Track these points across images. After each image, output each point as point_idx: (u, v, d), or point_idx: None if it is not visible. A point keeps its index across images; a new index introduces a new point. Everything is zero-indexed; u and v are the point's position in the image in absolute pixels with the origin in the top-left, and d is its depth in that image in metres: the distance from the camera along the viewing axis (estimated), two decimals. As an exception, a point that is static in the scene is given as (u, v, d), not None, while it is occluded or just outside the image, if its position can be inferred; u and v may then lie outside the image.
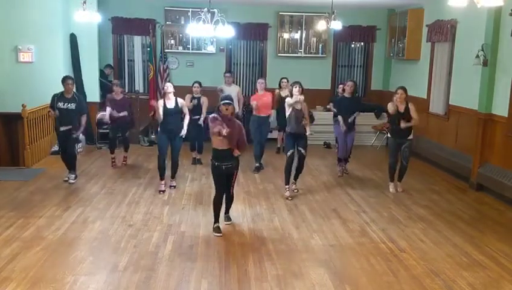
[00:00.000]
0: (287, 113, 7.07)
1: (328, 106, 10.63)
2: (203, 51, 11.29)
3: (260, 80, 8.87)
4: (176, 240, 5.40)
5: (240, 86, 10.98)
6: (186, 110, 7.32)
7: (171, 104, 7.10)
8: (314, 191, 7.46)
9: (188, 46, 11.33)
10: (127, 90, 11.39)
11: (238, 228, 5.85)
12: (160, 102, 7.17)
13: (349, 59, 12.23)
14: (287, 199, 7.01)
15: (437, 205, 6.94)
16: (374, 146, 11.02)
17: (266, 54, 11.75)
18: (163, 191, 7.19)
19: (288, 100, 7.10)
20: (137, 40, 11.55)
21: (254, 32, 11.45)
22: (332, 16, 8.27)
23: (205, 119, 8.10)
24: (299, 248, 5.32)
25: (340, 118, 8.21)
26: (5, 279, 4.36)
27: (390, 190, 7.50)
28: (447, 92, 9.05)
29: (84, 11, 7.95)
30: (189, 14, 10.74)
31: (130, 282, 4.40)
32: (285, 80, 9.48)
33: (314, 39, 11.68)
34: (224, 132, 5.42)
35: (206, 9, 6.74)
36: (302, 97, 6.98)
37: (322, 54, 11.70)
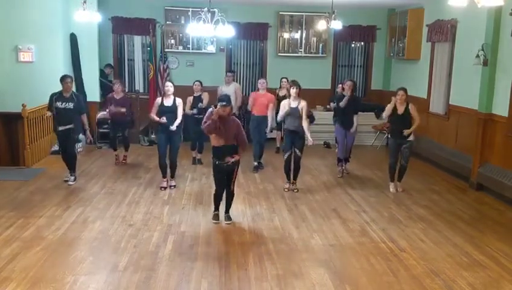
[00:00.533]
0: (279, 114, 7.27)
1: (328, 106, 10.64)
2: (203, 50, 11.29)
3: (261, 80, 8.87)
4: (176, 240, 5.40)
5: (240, 86, 10.95)
6: (180, 110, 7.26)
7: (168, 102, 7.14)
8: (314, 190, 7.46)
9: (188, 45, 11.33)
10: (127, 90, 11.39)
11: (238, 228, 5.85)
12: (158, 100, 7.20)
13: (349, 59, 12.23)
14: (284, 190, 7.30)
15: (437, 205, 6.94)
16: (374, 146, 11.02)
17: (266, 54, 11.74)
18: (165, 188, 7.22)
19: (283, 104, 7.18)
20: (138, 40, 11.54)
21: (254, 32, 11.45)
22: (333, 15, 8.27)
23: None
24: (299, 247, 5.32)
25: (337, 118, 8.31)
26: (5, 279, 4.36)
27: (391, 189, 7.50)
28: (447, 92, 9.05)
29: (84, 11, 7.94)
30: (190, 13, 10.74)
31: (130, 282, 4.40)
32: (284, 80, 9.49)
33: (315, 39, 11.68)
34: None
35: (206, 9, 6.73)
36: (305, 103, 7.11)
37: (322, 53, 11.70)
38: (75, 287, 4.30)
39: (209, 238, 5.51)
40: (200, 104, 8.56)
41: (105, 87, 10.52)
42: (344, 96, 8.26)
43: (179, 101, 7.28)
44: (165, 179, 7.31)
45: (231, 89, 9.63)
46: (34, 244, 5.13)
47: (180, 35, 11.27)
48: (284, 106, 7.24)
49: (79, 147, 8.91)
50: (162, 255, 4.98)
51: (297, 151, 7.21)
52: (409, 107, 7.18)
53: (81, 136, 9.00)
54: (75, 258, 4.88)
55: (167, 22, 11.18)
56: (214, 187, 7.24)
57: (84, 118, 7.54)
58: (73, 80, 8.21)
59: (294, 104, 7.14)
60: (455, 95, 8.75)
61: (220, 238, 5.52)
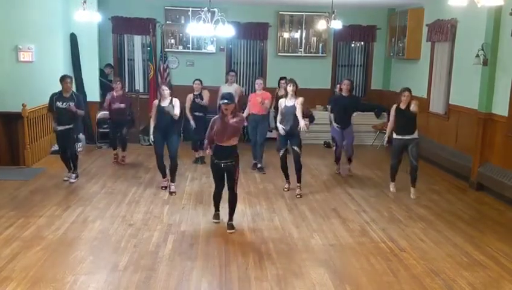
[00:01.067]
0: (278, 118, 7.21)
1: (327, 106, 10.63)
2: (203, 50, 11.29)
3: (258, 81, 8.87)
4: (176, 240, 5.41)
5: (240, 85, 10.94)
6: (177, 111, 7.09)
7: (165, 103, 7.11)
8: (314, 190, 7.46)
9: (188, 45, 11.32)
10: (127, 90, 11.40)
11: (238, 228, 5.84)
12: (156, 102, 7.21)
13: (349, 59, 12.23)
14: (284, 189, 7.34)
15: (437, 205, 6.94)
16: (374, 146, 11.02)
17: (266, 54, 11.74)
18: (166, 187, 7.22)
19: (279, 103, 7.18)
20: (138, 40, 11.54)
21: (254, 32, 11.44)
22: (333, 15, 8.27)
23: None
24: (299, 247, 5.32)
25: (331, 116, 8.27)
26: (5, 279, 4.36)
27: (391, 189, 7.50)
28: (447, 91, 9.05)
29: (84, 11, 7.94)
30: (190, 13, 10.73)
31: (130, 282, 4.40)
32: (283, 81, 9.50)
33: (314, 39, 11.68)
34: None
35: (206, 8, 6.74)
36: (300, 99, 7.02)
37: (322, 53, 11.70)
38: (75, 286, 4.30)
39: (209, 237, 5.52)
40: (199, 101, 8.59)
41: (105, 87, 10.51)
42: (341, 96, 8.27)
43: (176, 101, 7.24)
44: (165, 179, 7.31)
45: (232, 90, 9.62)
46: (34, 244, 5.13)
47: (180, 35, 11.27)
48: (280, 105, 7.17)
49: (79, 146, 8.91)
50: (162, 255, 4.98)
51: (295, 148, 7.07)
52: (411, 104, 7.03)
53: (81, 135, 9.02)
54: (75, 257, 4.88)
55: (167, 22, 11.18)
56: (214, 186, 7.30)
57: (81, 112, 7.52)
58: (73, 80, 8.22)
59: (290, 103, 7.02)
60: (455, 94, 8.75)
61: (220, 238, 5.52)
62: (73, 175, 7.50)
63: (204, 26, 6.75)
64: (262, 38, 11.59)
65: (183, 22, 11.04)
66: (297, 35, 11.64)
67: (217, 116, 5.76)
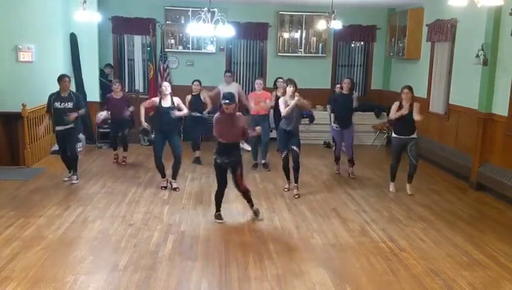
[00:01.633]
0: (286, 109, 7.02)
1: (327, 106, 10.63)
2: (203, 50, 11.29)
3: (258, 81, 8.90)
4: (176, 240, 5.41)
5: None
6: (183, 106, 7.30)
7: (166, 103, 7.11)
8: (314, 190, 7.46)
9: (188, 45, 11.32)
10: (127, 90, 11.41)
11: (238, 228, 5.85)
12: (156, 99, 7.19)
13: (349, 59, 12.23)
14: (284, 189, 7.33)
15: (437, 205, 6.94)
16: (373, 145, 11.02)
17: (266, 54, 11.74)
18: (165, 187, 7.23)
19: (283, 100, 7.16)
20: (138, 40, 11.54)
21: (254, 32, 11.44)
22: (333, 15, 8.27)
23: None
24: (299, 247, 5.32)
25: (332, 115, 8.28)
26: (5, 278, 4.36)
27: (391, 189, 7.49)
28: (447, 91, 9.05)
29: (84, 11, 7.94)
30: (189, 13, 10.74)
31: (130, 281, 4.40)
32: (280, 80, 9.50)
33: (314, 39, 11.68)
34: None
35: (206, 8, 6.73)
36: (296, 98, 7.01)
37: (322, 53, 11.70)
38: (75, 286, 4.30)
39: (209, 237, 5.52)
40: (200, 113, 8.75)
41: (105, 87, 10.51)
42: (340, 94, 8.29)
43: (177, 100, 7.26)
44: (164, 179, 7.31)
45: (233, 89, 9.63)
46: (34, 244, 5.13)
47: (180, 35, 11.27)
48: (286, 101, 7.08)
49: (79, 146, 8.92)
50: (162, 255, 4.98)
51: (294, 148, 7.03)
52: (414, 106, 7.09)
53: (81, 135, 9.02)
54: (75, 257, 4.88)
55: (167, 22, 11.19)
56: (214, 186, 7.28)
57: (82, 112, 7.56)
58: (71, 79, 8.21)
59: (291, 103, 7.04)
60: (455, 94, 8.75)
61: (220, 238, 5.53)
62: (75, 177, 7.50)
63: (204, 26, 6.75)
64: (262, 38, 11.59)
65: (183, 22, 11.04)
66: (297, 35, 11.64)
67: (218, 114, 5.84)
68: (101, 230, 5.62)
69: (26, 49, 9.29)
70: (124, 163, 8.76)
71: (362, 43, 12.08)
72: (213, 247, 5.26)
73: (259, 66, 11.94)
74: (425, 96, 9.68)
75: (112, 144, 8.96)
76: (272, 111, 8.88)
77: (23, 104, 8.23)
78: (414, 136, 7.19)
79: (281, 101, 7.19)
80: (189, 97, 8.75)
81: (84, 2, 7.86)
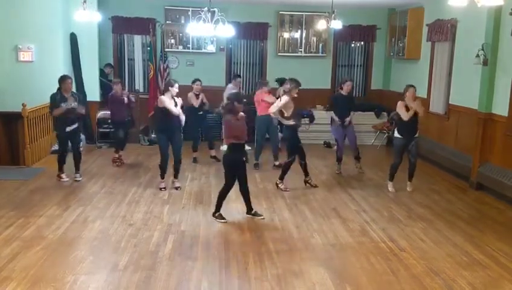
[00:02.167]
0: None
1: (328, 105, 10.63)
2: (203, 50, 11.29)
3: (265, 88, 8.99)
4: (176, 240, 5.41)
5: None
6: (179, 110, 7.16)
7: (172, 104, 7.09)
8: (314, 190, 7.46)
9: (188, 45, 11.32)
10: (127, 90, 11.40)
11: (238, 227, 5.85)
12: (168, 99, 7.03)
13: (349, 58, 12.23)
14: (280, 188, 7.43)
15: (437, 205, 6.94)
16: (374, 145, 11.02)
17: (266, 54, 11.74)
18: (165, 189, 7.22)
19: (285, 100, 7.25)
20: (138, 39, 11.54)
21: (254, 32, 11.44)
22: (333, 15, 8.27)
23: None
24: (299, 247, 5.32)
25: (333, 113, 8.36)
26: (5, 278, 4.36)
27: (390, 189, 7.49)
28: (447, 91, 9.05)
29: (84, 11, 7.93)
30: (190, 13, 10.73)
31: (130, 281, 4.40)
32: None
33: (314, 38, 11.68)
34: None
35: (206, 8, 6.74)
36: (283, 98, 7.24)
37: (322, 53, 11.70)
38: (75, 286, 4.30)
39: (209, 237, 5.52)
40: (202, 112, 8.84)
41: (105, 87, 10.51)
42: (340, 95, 8.39)
43: (179, 101, 7.26)
44: (163, 180, 7.29)
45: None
46: (34, 244, 5.13)
47: (180, 34, 11.27)
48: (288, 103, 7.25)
49: (80, 146, 8.89)
50: (162, 255, 4.98)
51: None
52: (415, 103, 7.17)
53: (81, 135, 9.00)
54: (75, 257, 4.88)
55: (167, 22, 11.18)
56: (214, 186, 7.30)
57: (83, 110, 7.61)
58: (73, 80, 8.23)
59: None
60: (455, 94, 8.75)
61: (220, 238, 5.53)
62: (78, 175, 7.57)
63: (204, 26, 6.75)
64: (262, 38, 11.58)
65: (183, 21, 11.03)
66: (297, 35, 11.64)
67: (231, 117, 5.90)
68: (101, 230, 5.62)
69: (26, 49, 9.29)
70: (121, 163, 8.71)
71: (362, 43, 12.08)
72: (213, 247, 5.26)
73: (259, 66, 11.94)
74: (426, 96, 9.68)
75: (120, 145, 8.79)
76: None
77: (23, 104, 8.23)
78: (416, 135, 7.28)
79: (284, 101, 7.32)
80: (193, 95, 8.78)
81: (84, 1, 7.85)
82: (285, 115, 7.31)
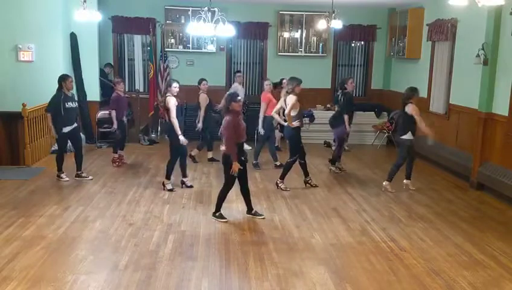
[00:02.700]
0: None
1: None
2: (203, 50, 11.29)
3: (266, 82, 9.00)
4: (176, 239, 5.40)
5: (239, 85, 10.92)
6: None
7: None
8: (315, 190, 7.46)
9: (188, 45, 11.32)
10: (127, 90, 11.42)
11: (238, 227, 5.85)
12: (173, 101, 7.00)
13: (349, 58, 12.23)
14: (281, 187, 7.40)
15: (437, 204, 6.94)
16: (374, 145, 11.02)
17: (266, 53, 11.74)
18: (172, 189, 7.18)
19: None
20: (138, 39, 11.54)
21: (254, 32, 11.44)
22: (333, 15, 8.28)
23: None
24: (300, 246, 5.32)
25: (346, 117, 8.38)
26: (5, 278, 4.36)
27: (389, 189, 7.47)
28: (447, 91, 9.05)
29: (85, 10, 7.94)
30: (190, 13, 10.73)
31: (130, 281, 4.40)
32: (285, 80, 9.52)
33: (315, 38, 11.68)
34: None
35: (206, 8, 6.73)
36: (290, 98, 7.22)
37: (322, 53, 11.70)
38: (76, 286, 4.30)
39: (209, 237, 5.51)
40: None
41: (105, 87, 10.51)
42: (350, 93, 8.53)
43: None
44: (170, 181, 7.22)
45: (241, 89, 9.87)
46: (35, 244, 5.13)
47: (180, 34, 11.27)
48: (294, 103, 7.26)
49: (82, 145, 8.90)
50: (163, 255, 4.98)
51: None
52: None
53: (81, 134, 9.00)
54: (76, 257, 4.88)
55: (167, 21, 11.18)
56: (214, 186, 7.30)
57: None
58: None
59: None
60: (455, 94, 8.75)
61: (220, 238, 5.52)
62: (84, 174, 7.66)
63: (204, 26, 6.74)
64: (262, 38, 11.59)
65: (183, 21, 11.04)
66: (297, 35, 11.64)
67: (232, 116, 5.82)
68: (101, 230, 5.61)
69: (26, 48, 9.27)
70: (122, 163, 8.71)
71: (362, 42, 12.08)
72: (213, 247, 5.25)
73: (259, 65, 11.94)
74: (426, 96, 9.68)
75: (121, 145, 8.76)
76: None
77: (23, 104, 8.23)
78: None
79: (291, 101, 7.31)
80: (204, 96, 8.77)
81: (84, 1, 7.86)
82: (292, 114, 7.25)
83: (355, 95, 11.92)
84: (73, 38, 9.97)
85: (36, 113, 8.57)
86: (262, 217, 6.14)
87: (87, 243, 5.26)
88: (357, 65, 12.22)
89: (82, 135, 9.53)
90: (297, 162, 7.40)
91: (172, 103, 6.96)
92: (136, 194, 6.99)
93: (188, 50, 11.35)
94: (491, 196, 7.35)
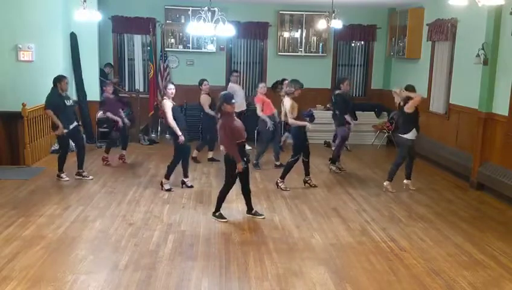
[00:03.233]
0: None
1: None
2: (203, 49, 11.29)
3: (261, 84, 9.04)
4: (176, 239, 5.40)
5: (240, 85, 10.92)
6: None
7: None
8: (315, 190, 7.46)
9: (188, 45, 11.32)
10: (127, 89, 11.44)
11: (238, 227, 5.85)
12: (170, 103, 7.00)
13: (349, 58, 12.22)
14: (281, 187, 7.39)
15: (437, 204, 6.94)
16: (374, 145, 11.02)
17: (266, 53, 11.74)
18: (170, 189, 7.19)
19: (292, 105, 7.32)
20: (138, 39, 11.54)
21: (254, 31, 11.44)
22: (333, 14, 8.28)
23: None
24: (300, 246, 5.31)
25: (347, 116, 8.49)
26: (5, 278, 4.36)
27: (390, 189, 7.47)
28: (447, 91, 9.05)
29: (85, 10, 7.94)
30: (190, 12, 10.72)
31: (130, 281, 4.40)
32: (286, 82, 9.51)
33: (315, 38, 11.68)
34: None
35: (206, 8, 6.73)
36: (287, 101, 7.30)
37: (322, 53, 11.70)
38: (76, 286, 4.30)
39: (209, 237, 5.51)
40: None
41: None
42: (346, 93, 8.54)
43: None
44: (169, 181, 7.22)
45: (239, 90, 9.84)
46: (34, 243, 5.13)
47: (180, 34, 11.27)
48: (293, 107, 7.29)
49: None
50: (163, 254, 4.98)
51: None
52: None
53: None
54: (76, 257, 4.88)
55: (167, 21, 11.18)
56: (214, 186, 7.31)
57: None
58: (71, 79, 8.26)
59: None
60: (455, 94, 8.75)
61: (220, 238, 5.52)
62: (85, 173, 7.66)
63: (204, 26, 6.74)
64: (262, 37, 11.58)
65: (183, 21, 11.03)
66: (297, 34, 11.64)
67: (231, 118, 5.82)
68: (101, 229, 5.61)
69: (26, 48, 9.27)
70: (123, 161, 8.72)
71: (362, 42, 12.08)
72: (213, 246, 5.25)
73: (259, 65, 11.93)
74: (426, 96, 9.67)
75: (112, 144, 8.80)
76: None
77: (23, 104, 8.23)
78: None
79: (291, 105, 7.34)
80: (206, 96, 8.77)
81: (84, 1, 7.86)
82: (292, 116, 7.25)
83: (356, 95, 11.97)
84: (73, 38, 9.97)
85: (36, 113, 8.57)
86: (262, 217, 6.14)
87: (87, 242, 5.26)
88: (357, 65, 12.22)
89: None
90: (300, 160, 7.36)
91: (167, 106, 6.98)
92: (136, 194, 6.99)
93: (188, 50, 11.35)
94: (491, 196, 7.35)
